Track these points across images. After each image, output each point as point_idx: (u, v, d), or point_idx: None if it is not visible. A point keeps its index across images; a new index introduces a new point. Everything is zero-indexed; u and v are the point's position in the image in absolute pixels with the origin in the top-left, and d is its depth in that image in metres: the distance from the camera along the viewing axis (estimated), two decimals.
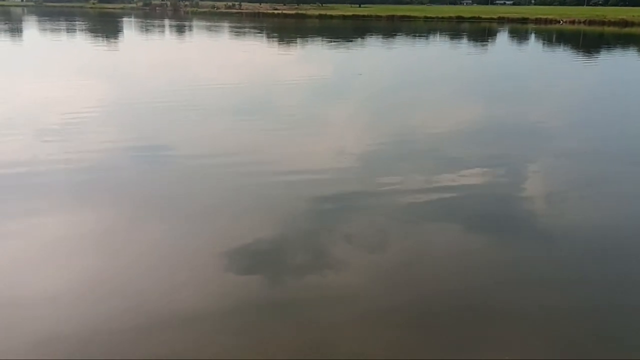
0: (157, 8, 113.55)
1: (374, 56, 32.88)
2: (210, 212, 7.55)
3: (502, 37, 53.04)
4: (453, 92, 19.42)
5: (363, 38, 47.78)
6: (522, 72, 27.19)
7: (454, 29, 64.25)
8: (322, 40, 43.79)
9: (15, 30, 49.54)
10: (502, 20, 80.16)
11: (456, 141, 11.78)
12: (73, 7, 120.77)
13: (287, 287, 5.69)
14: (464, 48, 40.39)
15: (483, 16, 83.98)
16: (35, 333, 4.81)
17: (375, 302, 5.46)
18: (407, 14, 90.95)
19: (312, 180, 8.94)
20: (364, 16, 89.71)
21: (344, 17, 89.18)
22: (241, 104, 15.55)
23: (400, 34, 53.72)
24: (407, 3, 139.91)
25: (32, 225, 7.02)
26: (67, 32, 47.65)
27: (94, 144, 10.72)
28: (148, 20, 71.56)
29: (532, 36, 55.30)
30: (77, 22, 62.70)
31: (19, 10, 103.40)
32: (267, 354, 4.63)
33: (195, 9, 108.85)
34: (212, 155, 10.31)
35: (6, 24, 58.54)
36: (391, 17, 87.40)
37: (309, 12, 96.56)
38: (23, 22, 63.11)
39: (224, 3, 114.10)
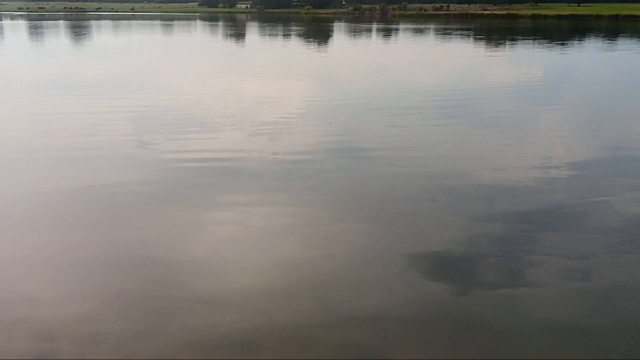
0: (366, 12, 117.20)
1: (590, 59, 30.25)
2: (402, 215, 7.63)
3: None
4: None
5: (580, 39, 44.25)
6: None
7: None
8: (533, 42, 41.43)
9: (241, 35, 54.92)
10: None
11: None
12: (290, 12, 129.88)
13: (474, 298, 5.53)
14: None
15: None
16: (226, 324, 5.30)
17: (570, 325, 5.07)
18: (634, 12, 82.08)
19: (511, 191, 8.56)
20: (582, 16, 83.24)
21: (560, 16, 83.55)
22: (441, 106, 15.40)
23: (624, 35, 48.67)
24: (634, 2, 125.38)
25: (237, 211, 7.72)
26: (284, 36, 51.40)
27: (299, 141, 11.46)
28: (357, 24, 74.15)
29: None
30: (292, 27, 67.31)
31: (243, 16, 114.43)
32: None
33: (402, 11, 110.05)
34: (409, 155, 10.39)
35: (234, 29, 65.15)
36: (614, 17, 79.80)
37: (521, 12, 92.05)
38: (247, 28, 69.59)
39: (432, 5, 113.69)
